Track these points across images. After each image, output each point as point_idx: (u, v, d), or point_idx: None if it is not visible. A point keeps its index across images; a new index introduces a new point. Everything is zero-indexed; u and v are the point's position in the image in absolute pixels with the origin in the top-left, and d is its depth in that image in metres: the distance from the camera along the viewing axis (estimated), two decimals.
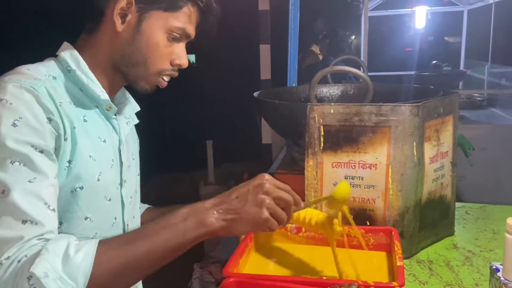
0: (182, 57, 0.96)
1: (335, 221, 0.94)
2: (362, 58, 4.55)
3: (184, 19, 0.94)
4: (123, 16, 0.89)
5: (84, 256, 0.72)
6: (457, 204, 1.40)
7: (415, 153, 1.11)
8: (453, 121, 1.24)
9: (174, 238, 0.78)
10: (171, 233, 0.78)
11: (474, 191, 2.83)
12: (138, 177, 1.08)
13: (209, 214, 0.79)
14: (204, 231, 0.78)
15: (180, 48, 0.96)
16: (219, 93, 5.07)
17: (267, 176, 0.83)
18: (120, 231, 0.96)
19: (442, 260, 1.14)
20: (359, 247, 1.09)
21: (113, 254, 0.75)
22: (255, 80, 3.46)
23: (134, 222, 1.03)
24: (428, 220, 1.20)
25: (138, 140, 1.13)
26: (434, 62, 4.11)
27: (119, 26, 0.89)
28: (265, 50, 3.30)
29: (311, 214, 0.98)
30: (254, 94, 1.40)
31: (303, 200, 0.88)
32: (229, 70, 5.14)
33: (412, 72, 4.40)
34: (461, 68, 4.61)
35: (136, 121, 1.08)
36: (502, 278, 0.88)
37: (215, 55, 4.51)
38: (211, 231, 0.79)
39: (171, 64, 0.96)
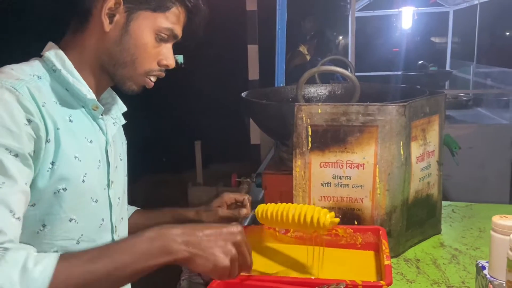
0: (169, 57, 0.96)
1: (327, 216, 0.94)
2: (349, 59, 4.56)
3: (173, 20, 0.94)
4: (111, 16, 0.88)
5: (43, 270, 0.69)
6: (444, 203, 1.41)
7: (402, 153, 1.12)
8: (439, 121, 1.26)
9: (135, 262, 0.74)
10: (134, 257, 0.74)
11: (461, 190, 2.87)
12: (126, 178, 1.07)
13: (175, 242, 0.76)
14: (167, 258, 0.76)
15: (167, 49, 0.96)
16: (207, 93, 5.06)
17: (240, 228, 0.81)
18: (108, 233, 0.96)
19: (429, 258, 1.15)
20: (347, 246, 1.10)
21: (72, 271, 0.71)
22: (243, 81, 3.45)
23: (122, 224, 1.02)
24: (415, 219, 1.21)
25: (125, 141, 1.12)
26: (420, 62, 4.15)
27: (107, 26, 0.88)
28: (253, 51, 3.30)
29: (301, 211, 0.97)
30: (242, 94, 1.40)
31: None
32: (217, 71, 5.13)
33: (399, 72, 4.44)
34: (447, 68, 4.67)
35: (123, 121, 1.07)
36: (488, 276, 0.89)
37: (203, 55, 4.50)
38: (174, 259, 0.76)
39: (159, 64, 0.95)
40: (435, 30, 5.95)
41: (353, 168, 1.14)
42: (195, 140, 4.21)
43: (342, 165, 1.14)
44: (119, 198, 0.99)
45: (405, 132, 1.12)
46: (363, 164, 1.13)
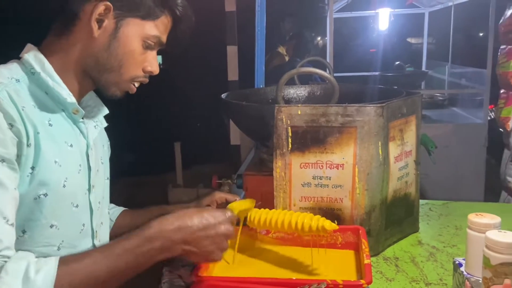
0: (154, 64, 0.97)
1: (326, 222, 0.96)
2: (328, 59, 4.61)
3: (160, 28, 0.95)
4: (100, 22, 0.88)
5: (45, 277, 0.72)
6: (421, 202, 1.44)
7: (380, 153, 1.13)
8: (416, 121, 1.28)
9: (136, 261, 0.80)
10: (136, 257, 0.80)
11: (437, 188, 2.93)
12: (107, 182, 1.06)
13: (174, 241, 0.83)
14: (166, 255, 0.84)
15: (152, 56, 0.97)
16: (187, 94, 5.03)
17: (230, 214, 0.91)
18: (89, 238, 0.94)
19: (407, 256, 1.17)
20: (327, 246, 1.11)
21: (74, 275, 0.75)
22: (222, 82, 3.45)
23: (102, 228, 1.01)
24: (394, 218, 1.23)
25: (108, 143, 1.11)
26: (397, 63, 4.22)
27: (96, 31, 0.88)
28: (232, 51, 3.30)
29: (299, 218, 0.98)
30: (222, 95, 1.40)
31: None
32: (197, 72, 5.11)
33: (377, 73, 4.50)
34: (423, 68, 4.76)
35: (105, 124, 1.07)
36: (465, 273, 0.91)
37: (182, 56, 4.47)
38: (172, 254, 0.85)
39: (143, 71, 0.96)
40: (411, 31, 6.06)
41: (333, 168, 1.15)
42: (175, 142, 4.19)
43: (322, 166, 1.15)
44: (99, 202, 0.98)
45: (383, 132, 1.13)
46: (343, 164, 1.14)
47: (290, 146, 1.16)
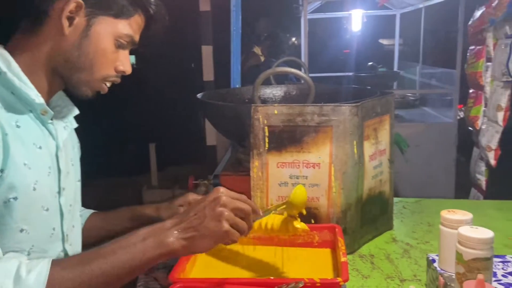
0: (126, 63, 0.95)
1: (295, 221, 0.96)
2: (302, 59, 4.64)
3: (133, 27, 0.93)
4: (71, 19, 0.85)
5: (37, 277, 0.70)
6: (395, 199, 1.47)
7: (355, 152, 1.15)
8: (390, 120, 1.30)
9: (132, 259, 0.76)
10: (130, 254, 0.76)
11: (409, 185, 2.99)
12: (79, 184, 1.04)
13: (168, 233, 0.78)
14: (164, 251, 0.77)
15: (124, 55, 0.95)
16: (161, 94, 4.97)
17: (222, 189, 0.82)
18: (59, 243, 0.92)
19: (382, 253, 1.19)
20: (304, 245, 1.12)
21: (66, 275, 0.73)
22: (198, 82, 3.43)
23: (74, 232, 0.99)
24: (369, 216, 1.25)
25: (78, 145, 1.08)
26: (370, 63, 4.29)
27: (66, 29, 0.85)
28: (207, 51, 3.28)
29: (268, 220, 0.98)
30: (198, 95, 1.39)
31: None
32: (171, 72, 5.06)
33: (351, 73, 4.57)
34: (395, 69, 4.85)
35: (75, 125, 1.04)
36: (438, 269, 0.93)
37: (157, 56, 4.42)
38: (171, 251, 0.77)
39: (115, 70, 0.94)
40: (383, 32, 6.17)
41: (309, 167, 1.16)
42: (150, 143, 4.14)
43: (298, 165, 1.16)
44: (70, 205, 0.96)
45: (358, 131, 1.15)
46: (319, 163, 1.15)
47: (267, 145, 1.16)
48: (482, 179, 2.24)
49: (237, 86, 2.40)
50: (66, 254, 0.93)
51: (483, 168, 2.26)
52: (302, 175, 1.16)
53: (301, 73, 1.11)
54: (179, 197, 1.17)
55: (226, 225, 0.78)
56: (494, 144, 2.06)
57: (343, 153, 1.14)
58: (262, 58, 4.89)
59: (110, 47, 0.90)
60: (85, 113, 1.09)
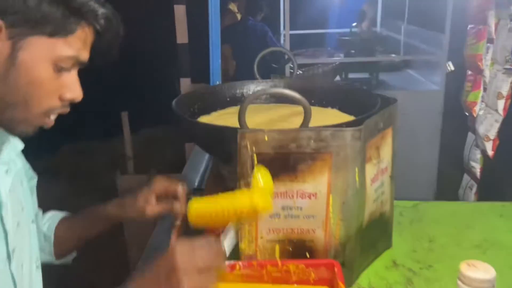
0: (74, 89, 0.76)
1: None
2: (283, 16, 4.39)
3: (78, 45, 0.73)
4: None
5: None
6: None
7: (357, 179, 1.01)
8: (393, 132, 1.16)
9: None
10: None
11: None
12: (33, 225, 0.88)
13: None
14: None
15: (71, 78, 0.76)
16: (135, 60, 4.69)
17: (178, 248, 0.67)
18: None
19: (384, 285, 1.09)
20: (299, 282, 1.01)
21: None
22: (170, 45, 3.20)
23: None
24: (368, 241, 1.13)
25: (31, 172, 0.92)
26: (354, 24, 4.07)
27: None
28: (180, 11, 3.05)
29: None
30: (173, 102, 1.20)
31: None
32: (142, 34, 4.73)
33: (335, 31, 4.33)
34: (378, 26, 4.63)
35: (20, 161, 0.86)
36: None
37: (127, 19, 4.09)
38: None
39: (61, 99, 0.75)
40: None
41: (305, 198, 1.02)
42: (122, 111, 3.91)
43: (292, 195, 1.02)
44: (22, 265, 0.80)
45: (360, 157, 1.01)
46: (315, 193, 1.01)
47: None
48: (477, 167, 2.14)
49: (217, 82, 2.18)
50: None
51: (478, 155, 2.15)
52: (296, 206, 1.02)
53: (296, 95, 0.94)
54: (141, 191, 1.02)
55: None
56: (492, 134, 1.95)
57: (343, 181, 1.00)
58: (239, 16, 4.60)
59: (48, 74, 0.71)
60: None
